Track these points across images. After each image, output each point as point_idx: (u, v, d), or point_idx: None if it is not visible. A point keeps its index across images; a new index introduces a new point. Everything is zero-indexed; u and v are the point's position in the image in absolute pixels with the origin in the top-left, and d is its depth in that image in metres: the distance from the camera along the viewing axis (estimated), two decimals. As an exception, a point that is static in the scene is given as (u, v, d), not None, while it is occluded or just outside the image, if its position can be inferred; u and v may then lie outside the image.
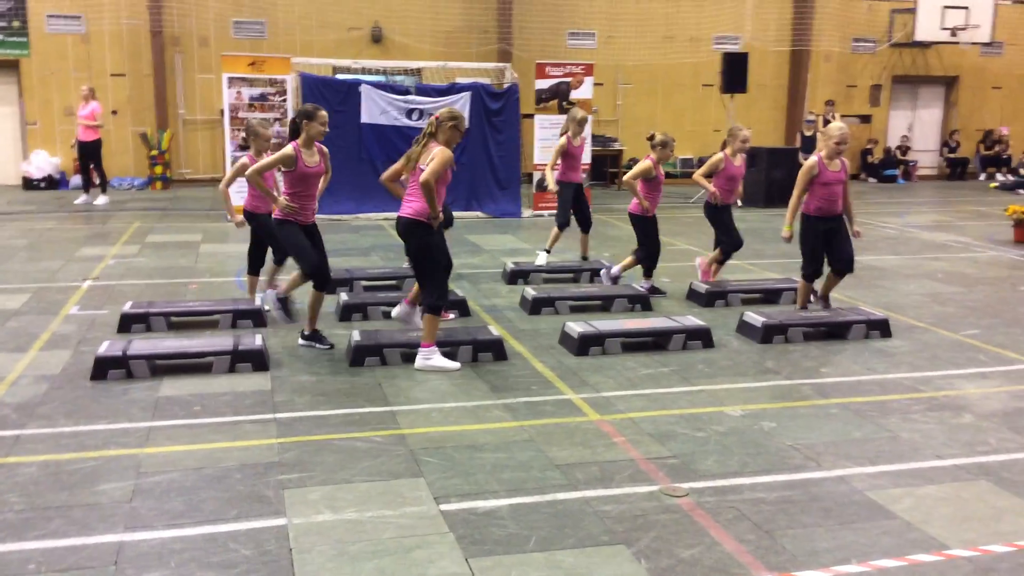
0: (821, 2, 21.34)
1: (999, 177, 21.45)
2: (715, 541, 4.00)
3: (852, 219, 7.86)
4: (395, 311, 7.24)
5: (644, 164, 8.69)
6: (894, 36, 21.90)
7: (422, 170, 6.25)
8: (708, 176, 8.86)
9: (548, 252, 10.20)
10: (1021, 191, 19.32)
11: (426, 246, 6.44)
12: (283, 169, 6.80)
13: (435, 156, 6.25)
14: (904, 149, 22.63)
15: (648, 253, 8.90)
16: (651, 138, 8.74)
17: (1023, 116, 23.51)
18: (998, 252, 11.86)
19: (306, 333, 7.07)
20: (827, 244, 7.70)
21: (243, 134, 8.04)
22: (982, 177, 22.63)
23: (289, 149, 6.72)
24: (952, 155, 23.00)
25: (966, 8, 20.88)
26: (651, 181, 8.69)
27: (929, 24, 20.85)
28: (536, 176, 14.92)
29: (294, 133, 6.81)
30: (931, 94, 23.49)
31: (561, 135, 10.16)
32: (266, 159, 6.98)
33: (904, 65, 22.69)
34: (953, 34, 20.99)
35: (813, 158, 7.62)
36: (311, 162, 6.80)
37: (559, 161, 10.04)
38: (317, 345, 7.02)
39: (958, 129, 23.09)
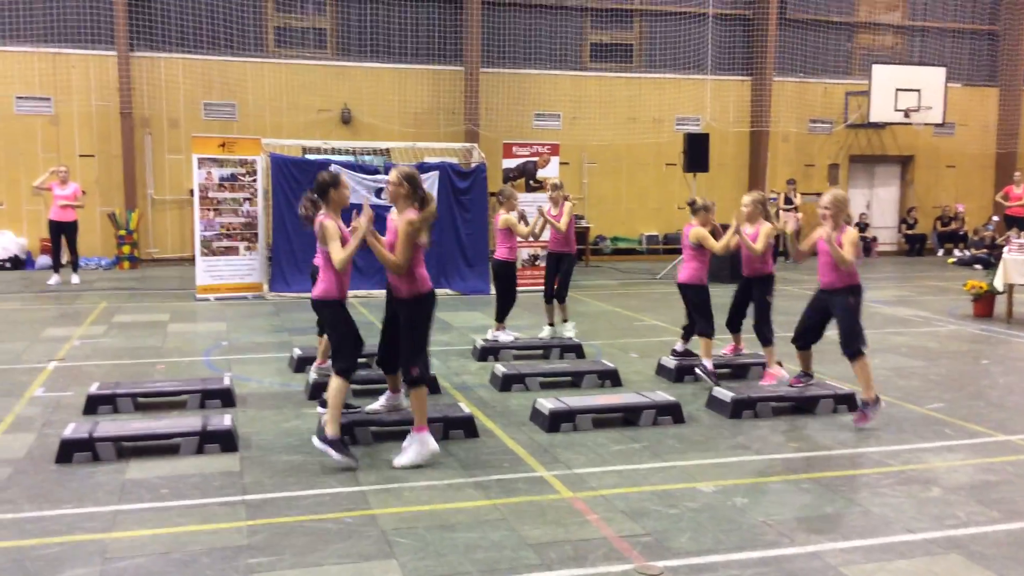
0: (777, 85, 22.05)
1: (956, 253, 21.97)
2: (691, 619, 3.98)
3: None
4: (380, 403, 6.86)
5: (703, 231, 8.37)
6: (850, 117, 22.62)
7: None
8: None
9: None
10: (978, 266, 19.77)
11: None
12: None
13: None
14: (863, 226, 23.16)
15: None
16: (692, 203, 8.52)
17: (976, 193, 24.22)
18: (959, 326, 12.09)
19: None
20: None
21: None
22: (940, 253, 23.17)
23: (332, 223, 6.17)
24: (910, 231, 23.58)
25: (918, 91, 21.70)
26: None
27: (883, 106, 21.60)
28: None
29: (315, 207, 6.26)
30: (887, 173, 24.17)
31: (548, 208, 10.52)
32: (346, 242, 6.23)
33: (860, 145, 23.38)
34: (906, 115, 21.74)
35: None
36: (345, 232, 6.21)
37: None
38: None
39: (915, 206, 23.71)
